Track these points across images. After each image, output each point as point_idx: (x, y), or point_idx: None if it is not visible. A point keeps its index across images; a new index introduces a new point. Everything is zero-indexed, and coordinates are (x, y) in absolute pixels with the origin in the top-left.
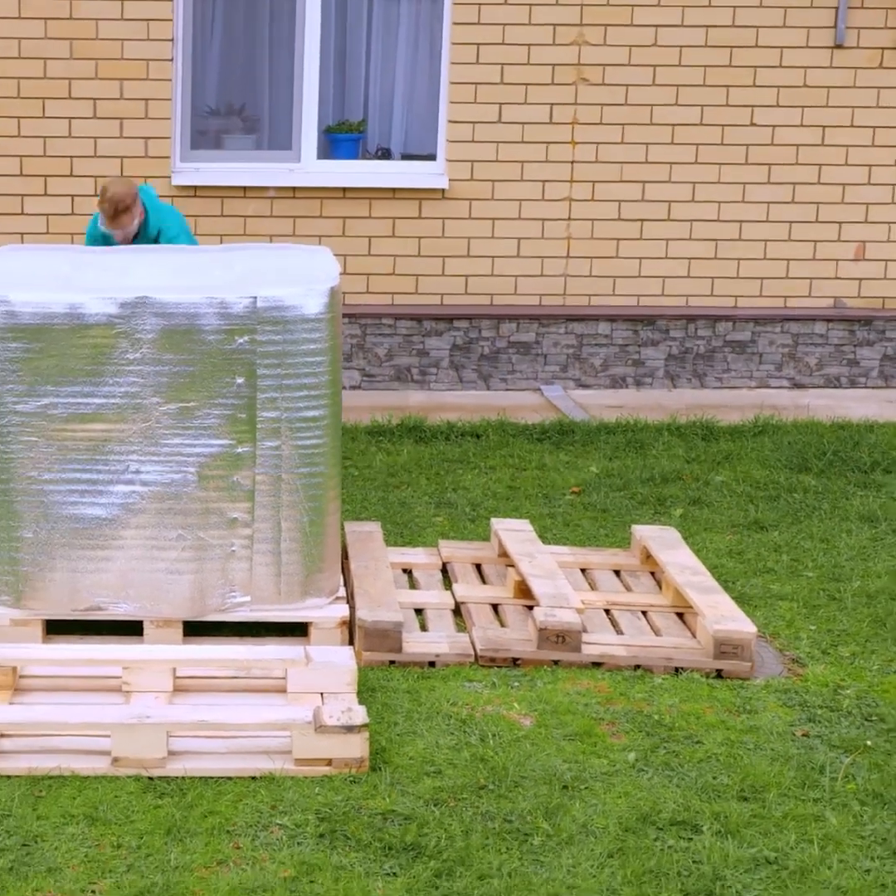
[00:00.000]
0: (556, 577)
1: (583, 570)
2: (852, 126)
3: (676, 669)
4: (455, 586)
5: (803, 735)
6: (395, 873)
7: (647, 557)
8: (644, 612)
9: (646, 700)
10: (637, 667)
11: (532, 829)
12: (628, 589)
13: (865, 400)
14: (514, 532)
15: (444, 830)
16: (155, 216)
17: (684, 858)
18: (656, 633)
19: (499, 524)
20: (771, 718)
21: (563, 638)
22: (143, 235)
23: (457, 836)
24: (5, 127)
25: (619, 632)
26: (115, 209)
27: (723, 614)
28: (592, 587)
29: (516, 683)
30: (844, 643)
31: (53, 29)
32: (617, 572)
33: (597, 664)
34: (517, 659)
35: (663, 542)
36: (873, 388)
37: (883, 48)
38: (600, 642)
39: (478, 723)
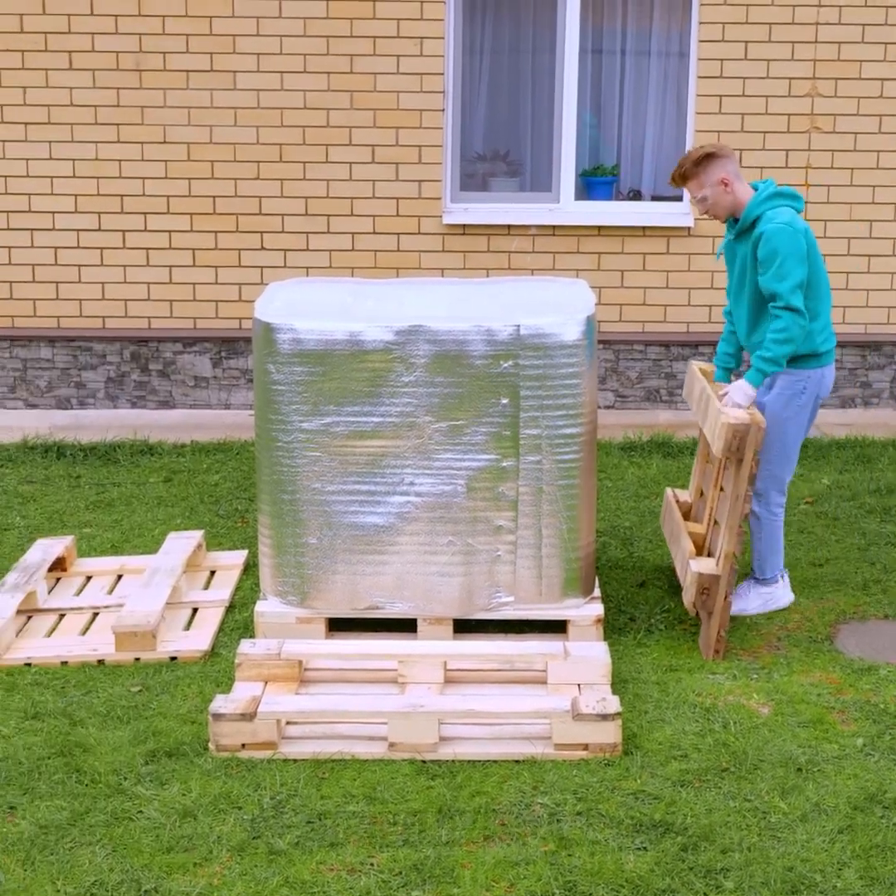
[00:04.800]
0: None
1: None
2: None
3: None
4: None
5: None
6: (645, 848)
7: None
8: None
9: (873, 691)
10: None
11: (769, 808)
12: None
13: None
14: None
15: (690, 809)
16: (758, 211)
17: None
18: None
19: None
20: None
21: None
22: (741, 223)
23: (701, 815)
24: (292, 171)
25: None
26: (685, 168)
27: None
28: None
29: (755, 676)
30: None
31: (335, 82)
32: None
33: None
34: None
35: None
36: None
37: None
38: None
39: (720, 711)
